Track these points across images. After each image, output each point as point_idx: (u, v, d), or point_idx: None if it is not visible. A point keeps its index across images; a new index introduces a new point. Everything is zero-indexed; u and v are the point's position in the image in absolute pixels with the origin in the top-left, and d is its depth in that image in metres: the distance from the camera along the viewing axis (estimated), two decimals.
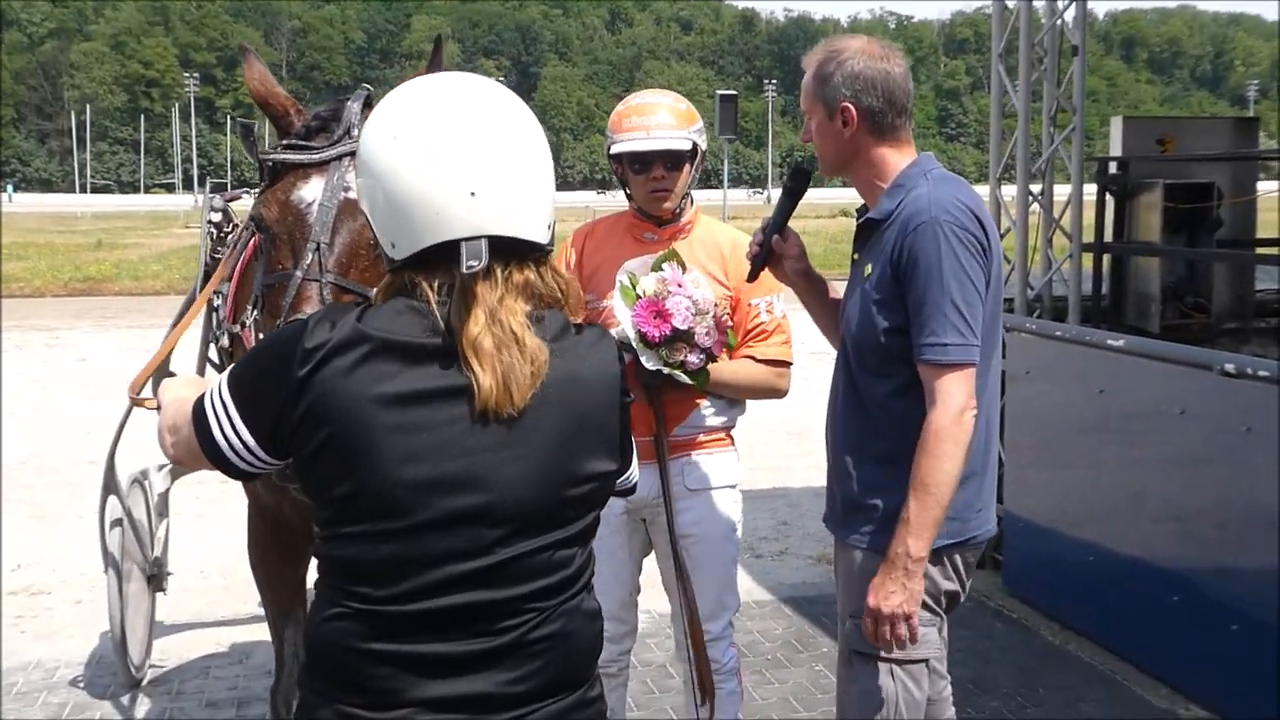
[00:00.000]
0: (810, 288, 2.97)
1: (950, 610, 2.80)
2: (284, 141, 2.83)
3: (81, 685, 4.80)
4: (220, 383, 1.79)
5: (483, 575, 1.69)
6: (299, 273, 2.58)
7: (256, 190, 2.89)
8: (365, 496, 1.68)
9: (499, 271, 1.70)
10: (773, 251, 2.90)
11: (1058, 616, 5.40)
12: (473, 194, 1.68)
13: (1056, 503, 5.40)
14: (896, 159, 2.71)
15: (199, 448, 1.78)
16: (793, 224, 2.92)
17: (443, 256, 1.68)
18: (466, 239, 1.67)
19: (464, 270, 1.66)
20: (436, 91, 1.76)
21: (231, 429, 1.75)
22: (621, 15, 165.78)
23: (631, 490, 2.05)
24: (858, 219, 2.80)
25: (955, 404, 2.53)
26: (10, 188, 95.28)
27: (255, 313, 2.75)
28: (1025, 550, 5.65)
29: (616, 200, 3.47)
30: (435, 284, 1.69)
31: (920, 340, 2.56)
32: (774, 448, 8.66)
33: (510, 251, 1.71)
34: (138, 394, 3.04)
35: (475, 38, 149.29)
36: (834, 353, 2.87)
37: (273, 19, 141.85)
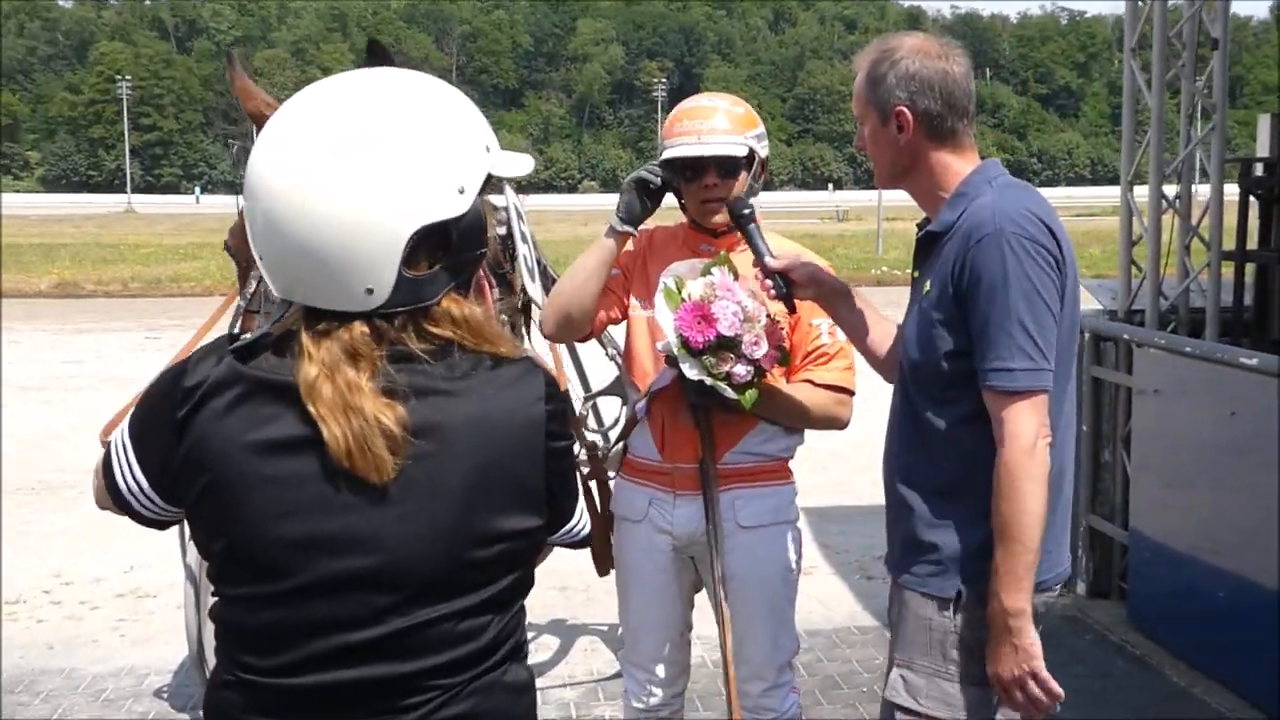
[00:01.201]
0: (839, 308, 2.75)
1: None
2: None
3: (166, 696, 4.82)
4: (125, 421, 1.66)
5: (376, 647, 1.52)
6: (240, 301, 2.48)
7: None
8: (241, 554, 1.53)
9: (328, 329, 1.52)
10: (793, 281, 2.69)
11: (1185, 655, 4.98)
12: (261, 258, 1.54)
13: (1189, 528, 4.99)
14: (959, 166, 2.46)
15: (107, 491, 1.65)
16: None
17: None
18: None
19: (233, 345, 1.52)
20: (273, 120, 1.56)
21: (130, 472, 1.62)
22: (785, 15, 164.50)
23: (581, 543, 1.83)
24: (918, 233, 2.56)
25: (1027, 436, 2.27)
26: (198, 190, 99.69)
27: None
28: (1153, 579, 5.24)
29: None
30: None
31: (985, 365, 2.31)
32: None
33: (331, 313, 1.52)
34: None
35: (639, 40, 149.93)
36: None
37: (444, 24, 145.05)
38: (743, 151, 2.98)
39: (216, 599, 1.59)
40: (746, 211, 2.85)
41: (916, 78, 2.41)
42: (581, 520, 1.80)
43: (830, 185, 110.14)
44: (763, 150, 3.04)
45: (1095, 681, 4.80)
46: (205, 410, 1.52)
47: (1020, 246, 2.29)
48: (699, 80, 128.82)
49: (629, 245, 3.13)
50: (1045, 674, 2.33)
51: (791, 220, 56.88)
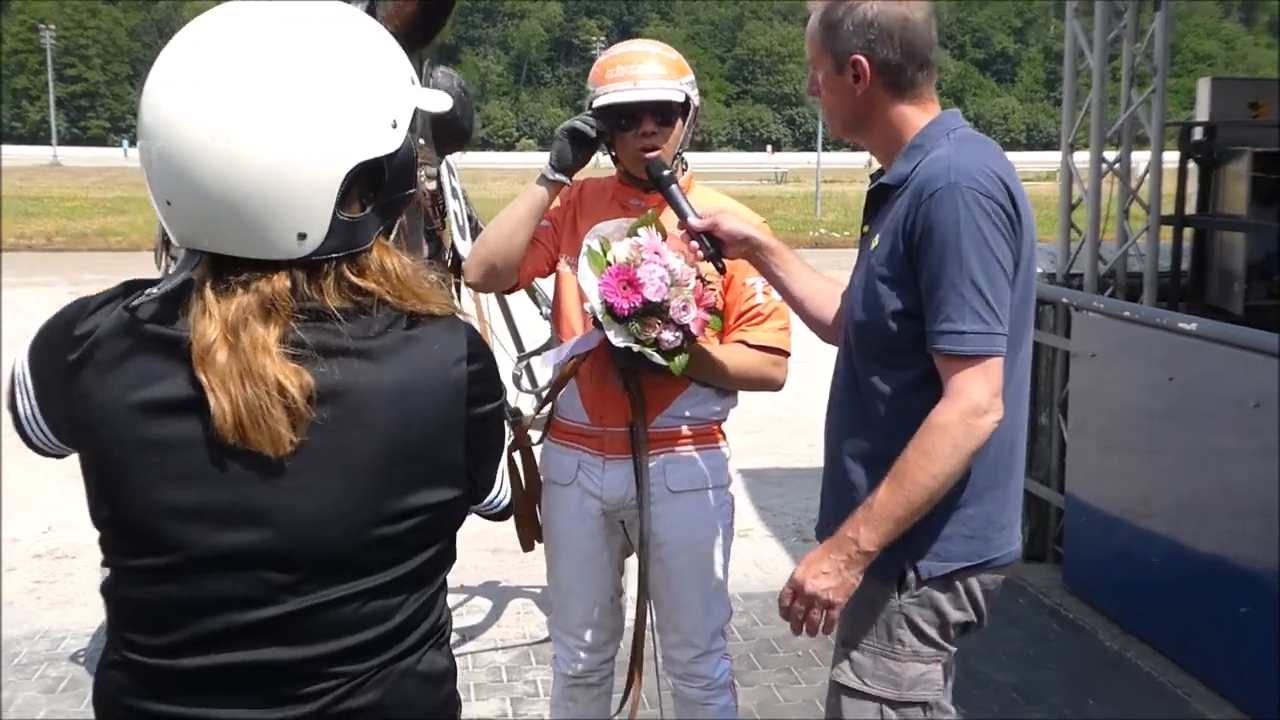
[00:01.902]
0: (771, 265, 2.62)
1: (962, 635, 2.44)
2: None
3: (82, 660, 4.66)
4: (27, 345, 1.51)
5: (272, 628, 1.39)
6: None
7: None
8: (125, 523, 1.41)
9: (237, 282, 1.38)
10: (720, 240, 2.57)
11: (1119, 619, 4.99)
12: (169, 203, 1.37)
13: (1124, 492, 4.98)
14: (918, 117, 2.32)
15: (10, 411, 1.51)
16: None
17: None
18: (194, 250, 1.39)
19: (133, 303, 1.37)
20: (172, 46, 1.40)
21: (28, 402, 1.49)
22: None
23: (501, 515, 1.70)
24: (870, 185, 2.43)
25: (969, 401, 2.14)
26: (126, 143, 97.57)
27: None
28: (1088, 543, 5.24)
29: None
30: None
31: (934, 326, 2.17)
32: None
33: (247, 261, 1.38)
34: None
35: None
36: None
37: None
38: (680, 97, 2.87)
39: (107, 571, 1.47)
40: (666, 173, 2.75)
41: (875, 24, 2.26)
42: (502, 490, 1.67)
43: (769, 147, 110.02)
44: (696, 98, 2.93)
45: (1030, 645, 4.78)
46: (92, 363, 1.39)
47: (975, 202, 2.14)
48: (638, 39, 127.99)
49: (559, 197, 3.01)
50: (838, 613, 2.26)
51: (730, 181, 56.80)
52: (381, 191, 1.44)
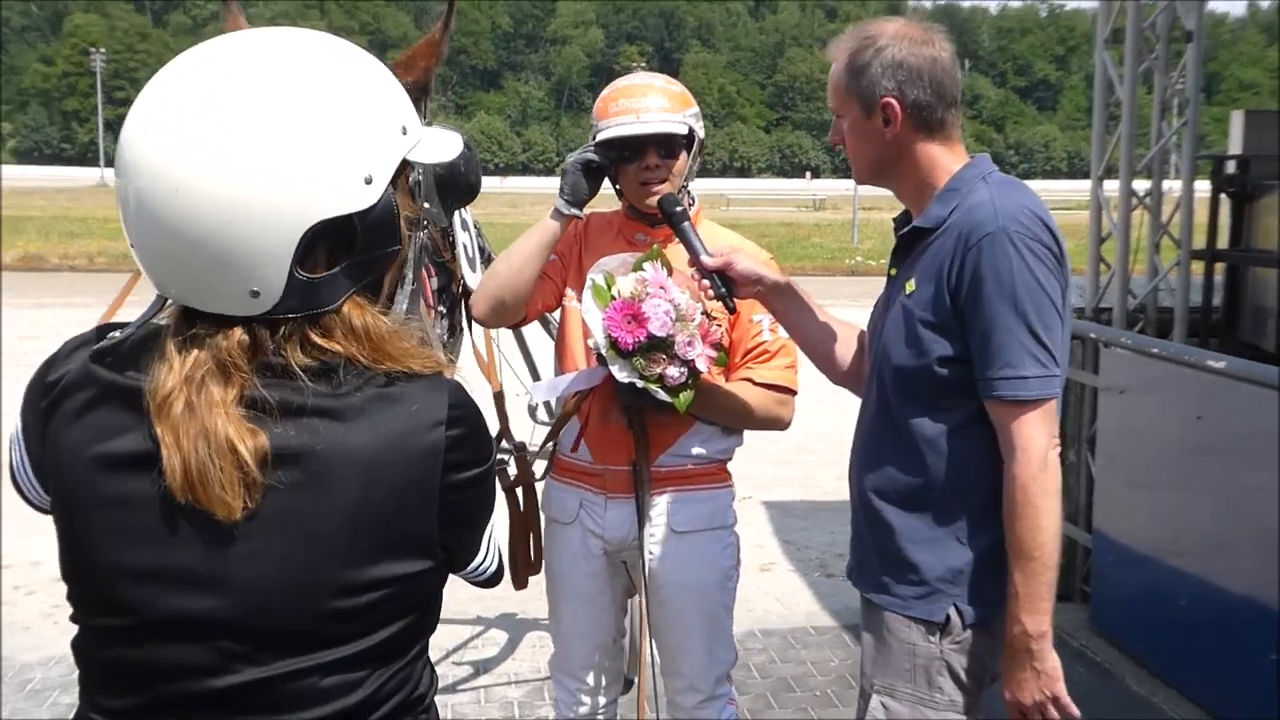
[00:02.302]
0: (782, 305, 2.59)
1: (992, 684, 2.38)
2: None
3: None
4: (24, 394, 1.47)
5: (230, 698, 1.33)
6: None
7: None
8: (83, 580, 1.36)
9: (201, 335, 1.31)
10: (732, 280, 2.53)
11: (1147, 662, 4.88)
12: (132, 246, 1.32)
13: (1153, 531, 4.87)
14: (948, 160, 2.30)
15: (7, 464, 1.47)
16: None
17: None
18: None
19: (96, 346, 1.34)
20: (146, 89, 1.33)
21: (20, 451, 1.45)
22: (766, 2, 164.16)
23: (488, 583, 1.61)
24: (897, 230, 2.40)
25: (1039, 449, 2.14)
26: None
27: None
28: (1116, 582, 5.13)
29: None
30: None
31: (991, 373, 2.15)
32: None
33: (207, 315, 1.32)
34: None
35: (619, 23, 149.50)
36: None
37: (423, 4, 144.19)
38: (683, 130, 2.83)
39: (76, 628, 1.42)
40: (679, 209, 2.71)
41: (904, 66, 2.24)
42: (488, 559, 1.57)
43: (808, 174, 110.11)
44: (700, 130, 2.90)
45: None
46: (59, 411, 1.35)
47: (1025, 246, 2.14)
48: (678, 65, 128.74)
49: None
50: (1066, 698, 2.21)
51: (768, 208, 56.89)
52: (356, 250, 1.34)
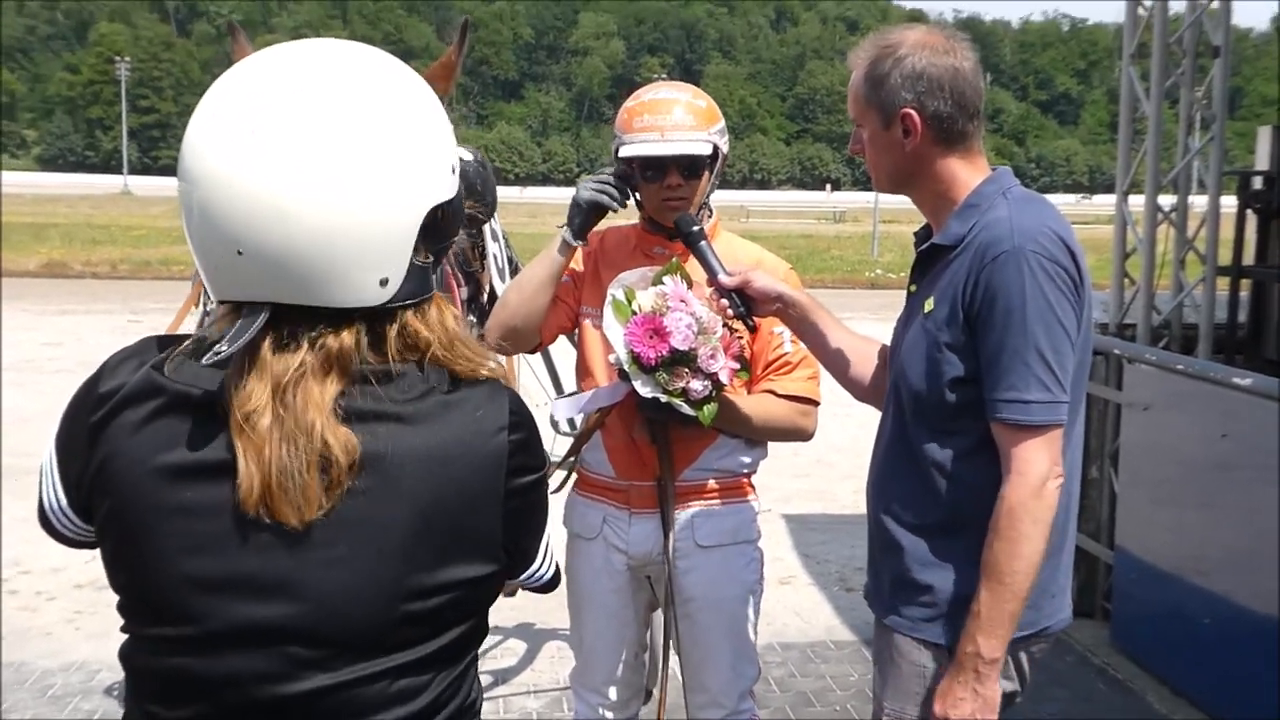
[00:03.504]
0: (802, 322, 2.56)
1: (1005, 708, 2.36)
2: None
3: (115, 694, 4.65)
4: (56, 426, 1.46)
5: (295, 706, 1.32)
6: None
7: None
8: (145, 591, 1.35)
9: (304, 337, 1.31)
10: (751, 298, 2.52)
11: (1169, 680, 4.84)
12: (239, 253, 1.28)
13: (1176, 548, 4.83)
14: (968, 174, 2.25)
15: (38, 508, 1.46)
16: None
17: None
18: (249, 303, 1.31)
19: (204, 360, 1.29)
20: (229, 89, 1.33)
21: (52, 486, 1.44)
22: (787, 14, 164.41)
23: (545, 587, 1.62)
24: (917, 245, 2.36)
25: (1037, 474, 2.10)
26: None
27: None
28: (1138, 600, 5.09)
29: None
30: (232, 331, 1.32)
31: (996, 395, 2.12)
32: None
33: (319, 314, 1.31)
34: None
35: (640, 35, 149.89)
36: None
37: (445, 14, 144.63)
38: (708, 150, 2.80)
39: (126, 637, 1.41)
40: (695, 229, 2.69)
41: (924, 76, 2.19)
42: (546, 563, 1.58)
43: (828, 186, 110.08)
44: (724, 146, 2.87)
45: (1076, 705, 4.64)
46: (116, 423, 1.34)
47: (1040, 267, 2.09)
48: (699, 77, 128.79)
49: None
50: None
51: (788, 220, 56.88)
52: (438, 237, 1.39)
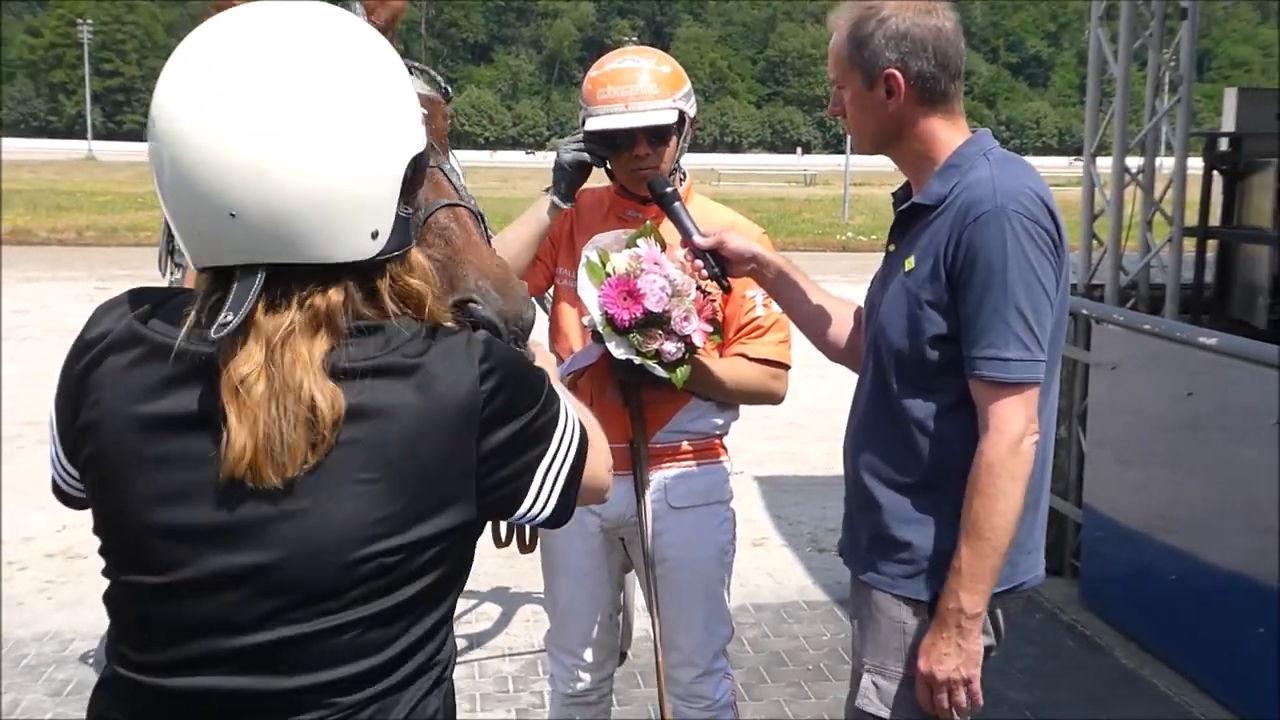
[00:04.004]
0: (776, 283, 2.58)
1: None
2: None
3: (91, 662, 4.67)
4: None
5: (261, 655, 1.34)
6: None
7: None
8: (120, 537, 1.38)
9: (295, 297, 1.32)
10: (725, 259, 2.52)
11: (1136, 636, 4.91)
12: (232, 215, 1.28)
13: (1143, 506, 4.90)
14: (949, 134, 2.27)
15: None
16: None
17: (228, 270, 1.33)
18: (241, 266, 1.31)
19: (213, 333, 1.29)
20: (203, 50, 1.33)
21: (54, 442, 1.47)
22: None
23: (545, 524, 1.59)
24: (896, 205, 2.38)
25: (1013, 430, 2.12)
26: None
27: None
28: (1106, 557, 5.17)
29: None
30: (213, 298, 1.34)
31: (975, 352, 2.14)
32: None
33: (311, 272, 1.33)
34: None
35: None
36: None
37: None
38: (673, 118, 2.80)
39: (97, 604, 1.45)
40: (669, 190, 2.69)
41: (908, 37, 2.20)
42: (540, 503, 1.53)
43: (799, 149, 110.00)
44: (691, 110, 2.87)
45: (1045, 662, 4.71)
46: (100, 370, 1.37)
47: (1022, 227, 2.11)
48: (669, 39, 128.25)
49: None
50: (978, 685, 2.22)
51: (759, 183, 56.81)
52: (412, 189, 1.42)
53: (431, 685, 1.47)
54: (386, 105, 1.36)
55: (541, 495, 1.54)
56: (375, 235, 1.36)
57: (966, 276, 2.14)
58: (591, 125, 2.80)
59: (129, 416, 1.34)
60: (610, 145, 2.82)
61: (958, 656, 2.19)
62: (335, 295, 1.34)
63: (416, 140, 1.41)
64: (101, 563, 1.42)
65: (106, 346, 1.37)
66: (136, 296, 1.43)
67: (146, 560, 1.35)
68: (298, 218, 1.30)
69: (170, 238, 2.96)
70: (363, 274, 1.37)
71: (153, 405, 1.34)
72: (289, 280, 1.33)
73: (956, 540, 2.19)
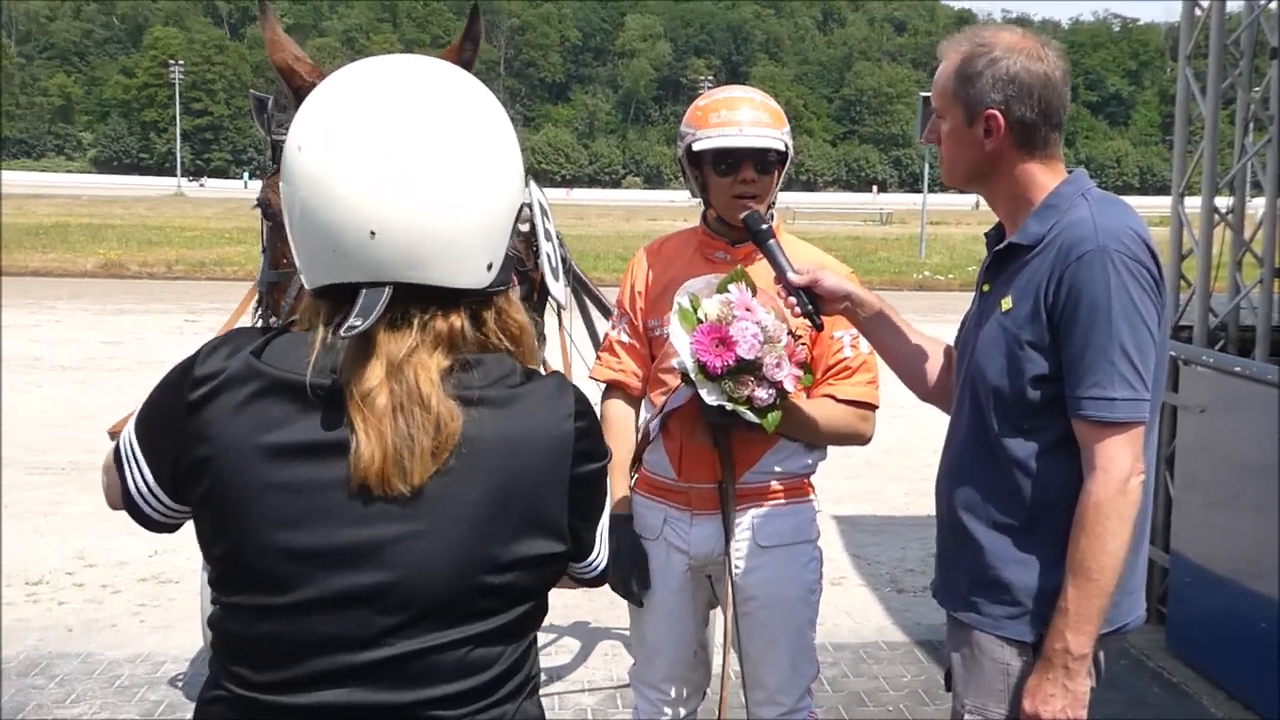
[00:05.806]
0: (869, 321, 2.59)
1: None
2: None
3: (180, 684, 4.76)
4: (131, 419, 1.56)
5: (378, 670, 1.41)
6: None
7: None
8: (241, 562, 1.44)
9: (415, 318, 1.42)
10: (818, 296, 2.54)
11: (1225, 685, 4.82)
12: (372, 234, 1.38)
13: (1232, 552, 4.81)
14: (1045, 177, 2.27)
15: (119, 495, 1.55)
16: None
17: (349, 291, 1.42)
18: (368, 284, 1.40)
19: (341, 333, 1.37)
20: (350, 90, 1.45)
21: (139, 473, 1.53)
22: (834, 15, 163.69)
23: (595, 581, 1.69)
24: (990, 244, 2.39)
25: (1120, 471, 2.12)
26: (246, 175, 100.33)
27: (259, 314, 2.55)
28: (1194, 603, 5.08)
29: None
30: (335, 319, 1.42)
31: (1080, 392, 2.14)
32: (932, 468, 8.17)
33: (430, 296, 1.42)
34: None
35: (687, 37, 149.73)
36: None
37: (493, 16, 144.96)
38: (781, 146, 2.85)
39: (215, 606, 1.50)
40: (765, 226, 2.70)
41: (1016, 81, 2.22)
42: (598, 556, 1.66)
43: (874, 188, 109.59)
44: (792, 149, 2.92)
45: (1130, 709, 4.63)
46: (215, 405, 1.43)
47: (1125, 266, 2.12)
48: (745, 78, 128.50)
49: (639, 258, 3.05)
50: None
51: (834, 222, 56.62)
52: (515, 233, 1.52)
53: (530, 695, 1.56)
54: (509, 150, 1.49)
55: (603, 548, 1.66)
56: (490, 267, 1.46)
57: (1069, 316, 2.15)
58: (700, 145, 2.83)
59: (251, 446, 1.40)
60: (716, 167, 2.84)
61: (1064, 698, 2.17)
62: (455, 320, 1.44)
63: (522, 186, 1.53)
64: (193, 584, 1.48)
65: (220, 384, 1.43)
66: (242, 336, 1.50)
67: (269, 581, 1.42)
68: (434, 240, 1.40)
69: (260, 304, 3.01)
70: (474, 303, 1.47)
71: (275, 435, 1.40)
72: (409, 301, 1.42)
73: (1059, 581, 2.19)
